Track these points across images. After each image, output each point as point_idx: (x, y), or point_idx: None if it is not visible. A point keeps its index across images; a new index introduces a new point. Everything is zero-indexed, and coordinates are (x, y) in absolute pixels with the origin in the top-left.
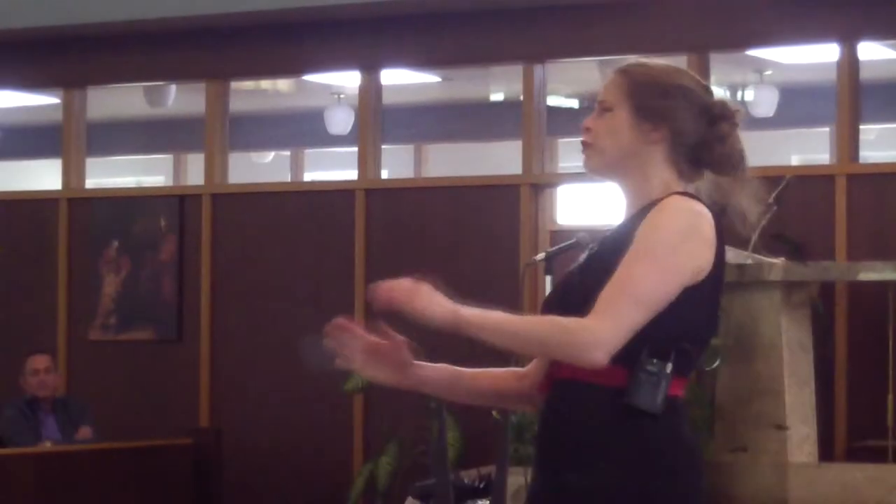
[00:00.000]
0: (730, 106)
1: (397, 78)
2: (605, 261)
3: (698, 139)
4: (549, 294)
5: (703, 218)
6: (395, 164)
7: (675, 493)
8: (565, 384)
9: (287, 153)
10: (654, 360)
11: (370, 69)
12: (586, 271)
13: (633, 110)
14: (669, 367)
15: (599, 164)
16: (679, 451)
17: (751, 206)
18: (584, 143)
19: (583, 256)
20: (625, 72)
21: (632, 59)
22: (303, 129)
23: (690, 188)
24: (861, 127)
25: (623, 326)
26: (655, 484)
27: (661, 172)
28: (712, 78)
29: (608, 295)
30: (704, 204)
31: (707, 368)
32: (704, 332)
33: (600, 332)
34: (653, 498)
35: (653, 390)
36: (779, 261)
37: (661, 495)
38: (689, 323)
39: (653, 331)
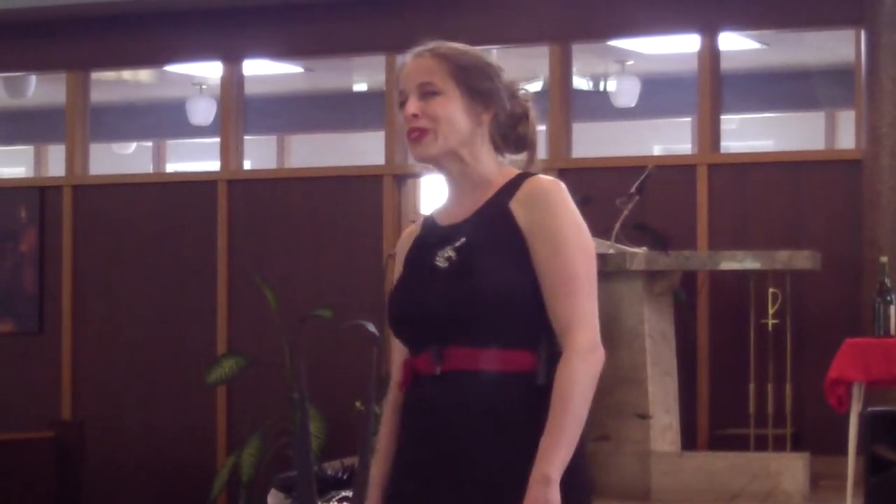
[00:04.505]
0: (520, 85)
1: (259, 68)
2: (485, 251)
3: (507, 118)
4: (400, 290)
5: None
6: (258, 154)
7: (580, 460)
8: (460, 375)
9: (149, 144)
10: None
11: (232, 60)
12: (464, 264)
13: (464, 93)
14: None
15: (438, 151)
16: None
17: None
18: (416, 130)
19: (446, 251)
20: (444, 56)
21: (434, 43)
22: (164, 120)
23: (506, 164)
24: (722, 117)
25: (594, 319)
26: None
27: (487, 152)
28: (574, 68)
29: (569, 304)
30: None
31: None
32: None
33: (591, 343)
34: (574, 467)
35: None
36: (641, 250)
37: (576, 464)
38: None
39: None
